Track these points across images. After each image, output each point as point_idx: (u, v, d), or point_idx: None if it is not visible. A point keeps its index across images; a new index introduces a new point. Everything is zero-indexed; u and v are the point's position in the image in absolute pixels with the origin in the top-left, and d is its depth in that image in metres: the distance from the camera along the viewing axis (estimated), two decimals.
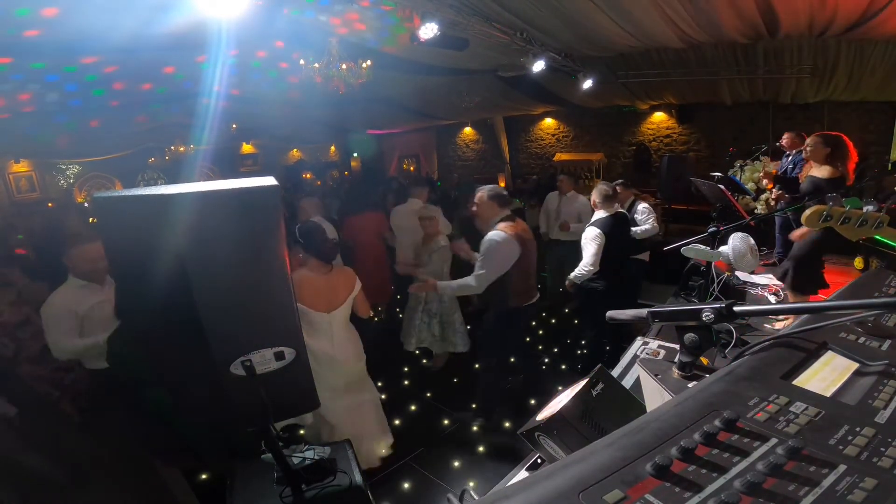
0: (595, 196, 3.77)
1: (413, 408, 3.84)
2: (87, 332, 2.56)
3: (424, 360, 4.51)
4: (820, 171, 3.21)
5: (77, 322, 2.52)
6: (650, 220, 4.43)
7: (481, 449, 3.31)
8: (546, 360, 4.52)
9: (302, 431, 3.16)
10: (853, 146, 3.20)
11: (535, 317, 3.74)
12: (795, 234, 3.12)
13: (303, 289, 2.55)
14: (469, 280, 3.10)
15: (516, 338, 3.58)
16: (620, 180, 4.52)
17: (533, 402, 3.74)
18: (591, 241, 3.61)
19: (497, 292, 3.16)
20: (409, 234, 4.63)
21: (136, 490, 2.71)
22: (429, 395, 4.03)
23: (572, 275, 3.72)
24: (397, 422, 3.62)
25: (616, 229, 3.68)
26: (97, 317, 2.55)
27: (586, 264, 3.62)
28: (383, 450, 3.13)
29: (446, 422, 3.64)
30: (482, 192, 3.21)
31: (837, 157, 3.15)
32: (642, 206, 4.51)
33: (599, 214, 3.73)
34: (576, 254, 5.30)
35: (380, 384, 4.14)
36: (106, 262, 2.53)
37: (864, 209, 1.26)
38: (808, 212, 1.29)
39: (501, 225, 3.10)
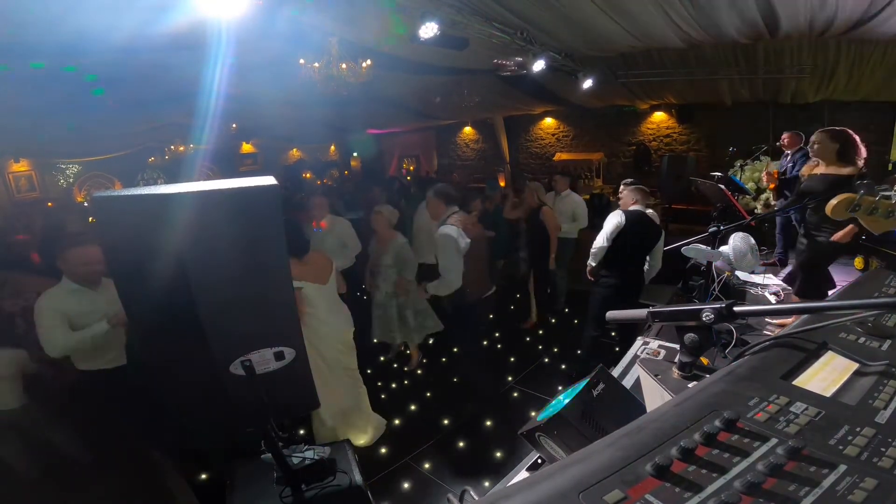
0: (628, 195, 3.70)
1: (412, 407, 3.84)
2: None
3: (405, 365, 4.51)
4: (834, 169, 3.01)
5: (66, 320, 2.48)
6: None
7: (481, 449, 3.31)
8: (546, 360, 4.53)
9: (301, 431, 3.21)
10: (859, 140, 3.03)
11: (491, 310, 3.82)
12: (838, 235, 2.91)
13: (299, 270, 2.85)
14: (441, 280, 3.37)
15: (474, 330, 3.75)
16: (630, 180, 4.26)
17: (533, 401, 3.75)
18: (609, 221, 3.61)
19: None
20: (425, 233, 4.72)
21: (135, 489, 2.71)
22: (428, 394, 4.03)
23: (590, 257, 3.71)
24: (397, 422, 3.62)
25: (638, 226, 3.59)
26: (87, 323, 2.51)
27: (596, 242, 3.63)
28: (378, 428, 3.38)
29: (446, 421, 3.64)
30: (430, 192, 3.53)
31: (849, 152, 2.97)
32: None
33: (633, 207, 3.65)
34: (571, 250, 5.31)
35: (378, 385, 4.17)
36: (101, 265, 2.53)
37: (894, 200, 1.18)
38: (834, 201, 1.20)
39: (451, 219, 3.39)
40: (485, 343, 3.83)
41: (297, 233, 3.06)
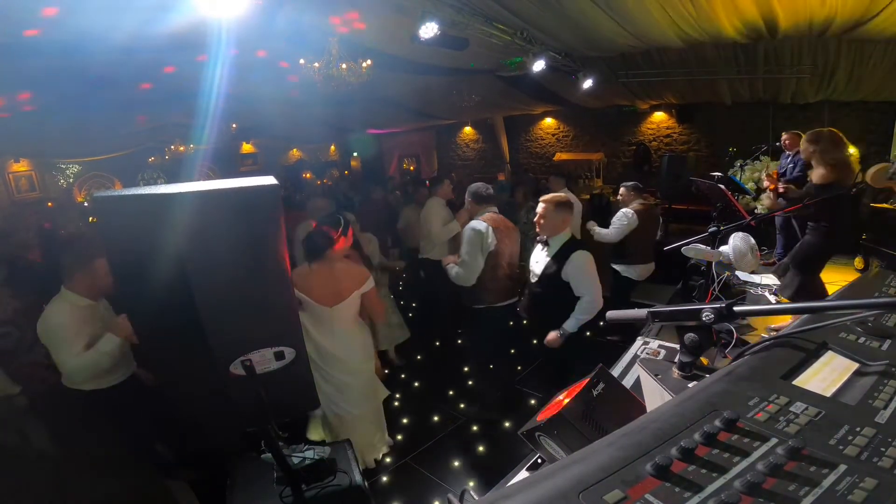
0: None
1: (413, 407, 3.84)
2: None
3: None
4: (825, 171, 3.06)
5: (83, 336, 2.37)
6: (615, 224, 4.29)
7: (481, 449, 3.31)
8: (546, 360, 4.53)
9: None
10: (840, 138, 3.10)
11: (513, 317, 3.47)
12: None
13: (305, 279, 2.62)
14: (459, 268, 3.15)
15: (497, 337, 3.53)
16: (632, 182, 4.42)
17: (533, 402, 3.75)
18: (589, 270, 2.79)
19: (472, 289, 3.21)
20: (430, 231, 4.72)
21: (135, 491, 2.71)
22: (428, 394, 4.03)
23: (569, 324, 2.80)
24: (397, 421, 3.62)
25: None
26: (93, 333, 2.41)
27: (594, 305, 2.77)
28: (380, 454, 3.17)
29: (447, 421, 3.64)
30: (467, 194, 3.42)
31: (830, 150, 3.05)
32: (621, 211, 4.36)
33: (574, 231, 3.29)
34: None
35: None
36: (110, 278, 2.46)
37: None
38: (873, 169, 1.24)
39: (483, 217, 3.23)
40: (496, 349, 3.65)
41: (318, 237, 2.70)
